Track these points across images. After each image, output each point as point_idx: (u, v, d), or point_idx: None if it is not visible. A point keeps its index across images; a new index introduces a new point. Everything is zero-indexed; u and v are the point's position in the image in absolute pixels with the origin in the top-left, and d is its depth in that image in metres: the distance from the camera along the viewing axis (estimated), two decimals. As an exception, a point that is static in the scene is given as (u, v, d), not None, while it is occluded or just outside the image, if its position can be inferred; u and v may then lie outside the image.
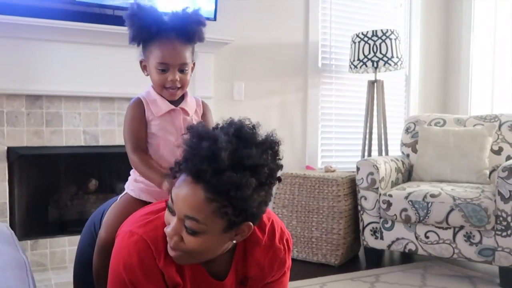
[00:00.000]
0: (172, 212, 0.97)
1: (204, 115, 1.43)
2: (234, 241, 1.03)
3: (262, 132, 1.00)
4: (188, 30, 1.30)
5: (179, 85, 1.32)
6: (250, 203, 0.92)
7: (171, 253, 0.99)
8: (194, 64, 1.40)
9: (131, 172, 1.41)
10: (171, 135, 1.35)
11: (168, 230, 0.97)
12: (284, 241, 1.15)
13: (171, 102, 1.35)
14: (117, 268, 1.01)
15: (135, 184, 1.36)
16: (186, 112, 1.37)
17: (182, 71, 1.32)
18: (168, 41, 1.28)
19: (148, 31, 1.27)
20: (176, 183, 0.97)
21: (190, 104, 1.39)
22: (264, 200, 0.97)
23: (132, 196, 1.34)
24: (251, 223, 0.99)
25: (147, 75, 1.36)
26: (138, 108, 1.33)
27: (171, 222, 0.97)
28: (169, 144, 1.34)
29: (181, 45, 1.30)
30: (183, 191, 0.93)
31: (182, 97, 1.38)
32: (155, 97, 1.34)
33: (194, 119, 1.38)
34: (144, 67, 1.36)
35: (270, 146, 0.98)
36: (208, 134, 0.93)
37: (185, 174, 0.94)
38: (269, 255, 1.12)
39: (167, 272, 1.01)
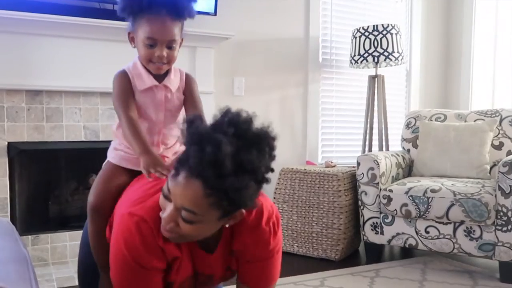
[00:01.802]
0: (168, 199, 1.00)
1: (187, 89, 1.43)
2: (227, 225, 1.09)
3: (259, 123, 1.01)
4: (179, 5, 1.30)
5: (165, 61, 1.32)
6: (246, 198, 0.98)
7: (166, 234, 1.03)
8: (182, 40, 1.40)
9: (112, 142, 1.45)
10: (151, 110, 1.37)
11: (164, 216, 1.01)
12: (271, 224, 1.19)
13: (155, 77, 1.36)
14: (119, 249, 1.06)
15: (115, 152, 1.40)
16: (168, 89, 1.38)
17: (170, 47, 1.32)
18: (158, 16, 1.28)
19: (139, 4, 1.27)
20: (171, 173, 1.00)
21: (173, 80, 1.39)
22: (256, 191, 1.02)
23: (113, 163, 1.38)
24: (243, 210, 1.05)
25: (134, 47, 1.36)
26: (125, 79, 1.35)
27: (167, 208, 1.00)
28: (148, 119, 1.37)
29: (171, 22, 1.30)
30: (181, 184, 0.96)
31: (166, 73, 1.39)
32: (141, 70, 1.35)
33: (176, 96, 1.40)
34: (131, 39, 1.37)
35: (268, 143, 1.00)
36: (210, 137, 0.93)
37: (185, 170, 0.96)
38: (254, 235, 1.16)
39: (168, 249, 1.07)
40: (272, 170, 1.03)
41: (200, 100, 1.45)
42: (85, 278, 1.47)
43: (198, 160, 0.92)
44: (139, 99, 1.36)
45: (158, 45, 1.30)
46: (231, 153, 0.92)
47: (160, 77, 1.38)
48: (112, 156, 1.40)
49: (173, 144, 1.46)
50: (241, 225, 1.14)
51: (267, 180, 1.02)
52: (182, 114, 1.46)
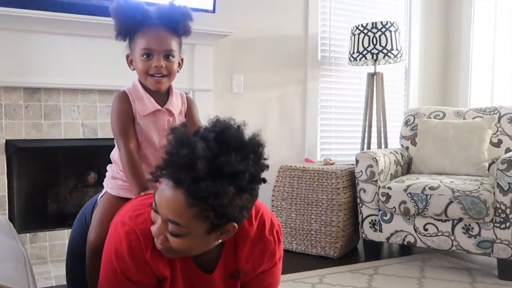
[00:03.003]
0: (157, 212, 0.97)
1: (189, 112, 1.41)
2: (220, 240, 1.03)
3: (248, 132, 0.97)
4: (173, 20, 1.29)
5: (165, 72, 1.30)
6: (230, 209, 0.92)
7: (159, 247, 0.99)
8: (182, 60, 1.38)
9: (108, 168, 1.41)
10: (153, 135, 1.34)
11: (153, 229, 0.98)
12: (274, 233, 1.15)
13: (157, 100, 1.33)
14: (109, 257, 1.03)
15: (112, 182, 1.36)
16: (171, 113, 1.36)
17: (167, 57, 1.30)
18: (152, 28, 1.28)
19: (134, 21, 1.27)
20: (160, 186, 0.97)
21: (175, 103, 1.37)
22: (246, 204, 0.96)
23: (111, 195, 1.34)
24: (235, 224, 0.99)
25: (133, 69, 1.34)
26: (126, 103, 1.32)
27: (156, 221, 0.97)
28: (151, 145, 1.34)
29: (166, 33, 1.29)
30: (165, 194, 0.93)
31: (167, 96, 1.36)
32: (142, 93, 1.33)
33: (179, 119, 1.37)
34: (130, 62, 1.35)
35: (253, 149, 0.95)
36: (188, 140, 0.90)
37: (167, 178, 0.94)
38: (259, 247, 1.12)
39: (154, 265, 1.02)
40: (260, 180, 0.98)
41: (200, 122, 1.42)
42: (74, 285, 1.42)
43: (172, 164, 0.90)
44: (141, 123, 1.33)
45: (154, 55, 1.28)
46: (206, 156, 0.88)
47: (162, 100, 1.35)
48: (110, 187, 1.36)
49: None
50: (243, 239, 1.10)
51: (253, 189, 0.95)
52: None
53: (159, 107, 1.33)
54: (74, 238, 1.39)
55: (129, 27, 1.29)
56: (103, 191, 1.38)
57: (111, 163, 1.42)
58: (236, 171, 0.90)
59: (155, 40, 1.27)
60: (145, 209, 1.06)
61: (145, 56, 1.28)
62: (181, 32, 1.33)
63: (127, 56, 1.35)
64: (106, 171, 1.43)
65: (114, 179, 1.36)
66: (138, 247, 1.00)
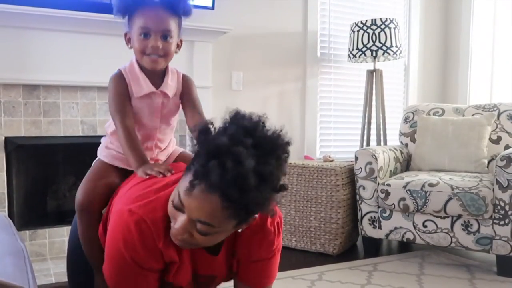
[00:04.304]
0: (181, 211, 0.96)
1: (185, 92, 1.40)
2: (240, 230, 1.05)
3: (271, 127, 0.99)
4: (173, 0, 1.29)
5: (161, 53, 1.29)
6: (264, 208, 0.96)
7: (177, 242, 1.00)
8: (181, 41, 1.38)
9: (102, 139, 1.43)
10: (146, 116, 1.35)
11: (177, 227, 0.97)
12: (275, 224, 1.17)
13: (153, 81, 1.33)
14: (116, 246, 1.03)
15: (106, 151, 1.37)
16: (165, 95, 1.36)
17: (165, 38, 1.28)
18: (151, 7, 1.27)
19: (133, 0, 1.27)
20: (185, 187, 0.93)
21: (170, 85, 1.37)
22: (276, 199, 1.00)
23: (105, 162, 1.35)
24: (256, 215, 1.03)
25: (131, 47, 1.34)
26: (121, 83, 1.32)
27: (179, 219, 0.96)
28: (144, 126, 1.35)
29: (165, 13, 1.28)
30: (197, 198, 0.91)
31: (163, 77, 1.36)
32: (138, 73, 1.33)
33: (173, 101, 1.38)
34: (128, 40, 1.34)
35: (284, 150, 0.98)
36: (230, 150, 0.88)
37: (204, 184, 0.90)
38: (259, 236, 1.14)
39: (166, 253, 1.04)
40: (285, 174, 1.02)
41: (199, 101, 1.42)
42: (76, 277, 1.42)
43: (219, 177, 0.87)
44: (135, 105, 1.33)
45: (152, 35, 1.27)
46: (253, 168, 0.88)
47: (157, 81, 1.34)
48: (103, 155, 1.37)
49: (166, 147, 1.44)
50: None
51: (284, 188, 0.98)
52: (177, 118, 1.44)
53: (154, 89, 1.33)
54: (75, 232, 1.39)
55: (128, 5, 1.29)
56: (96, 158, 1.40)
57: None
58: (277, 179, 0.94)
59: (153, 19, 1.27)
60: (152, 196, 1.06)
61: (142, 36, 1.27)
62: (180, 12, 1.32)
63: (125, 34, 1.34)
64: None
65: (108, 149, 1.37)
66: (150, 237, 1.00)
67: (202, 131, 0.95)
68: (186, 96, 1.40)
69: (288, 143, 0.99)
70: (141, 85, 1.32)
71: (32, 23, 2.24)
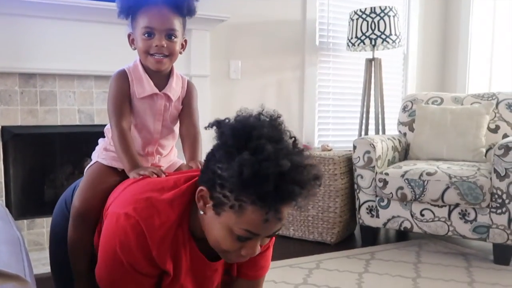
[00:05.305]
0: (249, 239, 0.99)
1: (187, 98, 1.37)
2: None
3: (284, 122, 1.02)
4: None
5: (166, 52, 1.26)
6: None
7: (238, 259, 1.05)
8: (186, 41, 1.35)
9: (99, 141, 1.39)
10: (148, 119, 1.32)
11: (251, 252, 1.01)
12: None
13: (156, 83, 1.30)
14: (112, 249, 1.01)
15: (104, 153, 1.33)
16: (168, 98, 1.33)
17: (169, 37, 1.26)
18: (155, 6, 1.24)
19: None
20: (256, 223, 0.95)
21: (174, 88, 1.34)
22: None
23: (103, 164, 1.31)
24: None
25: (134, 48, 1.31)
26: (124, 83, 1.29)
27: (247, 246, 1.00)
28: (145, 128, 1.32)
29: (169, 12, 1.25)
30: (278, 224, 0.96)
31: (168, 79, 1.33)
32: (142, 74, 1.30)
33: (175, 106, 1.35)
34: (131, 41, 1.32)
35: (299, 148, 1.02)
36: (290, 175, 0.92)
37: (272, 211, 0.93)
38: None
39: (161, 261, 1.02)
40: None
41: (197, 111, 1.40)
42: (63, 278, 1.37)
43: (294, 197, 0.93)
44: (137, 105, 1.30)
45: (156, 34, 1.24)
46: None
47: (161, 83, 1.32)
48: (102, 157, 1.33)
49: (168, 153, 1.41)
50: None
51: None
52: (178, 126, 1.41)
53: (157, 90, 1.30)
54: (56, 223, 1.37)
55: (131, 5, 1.26)
56: (92, 162, 1.35)
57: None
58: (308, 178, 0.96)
59: (157, 18, 1.24)
60: (145, 193, 1.04)
61: (146, 35, 1.25)
62: (185, 11, 1.29)
63: (129, 35, 1.32)
64: None
65: (107, 151, 1.33)
66: (146, 242, 0.99)
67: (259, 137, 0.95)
68: (187, 103, 1.38)
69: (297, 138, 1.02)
70: (144, 86, 1.29)
71: (29, 10, 2.22)
